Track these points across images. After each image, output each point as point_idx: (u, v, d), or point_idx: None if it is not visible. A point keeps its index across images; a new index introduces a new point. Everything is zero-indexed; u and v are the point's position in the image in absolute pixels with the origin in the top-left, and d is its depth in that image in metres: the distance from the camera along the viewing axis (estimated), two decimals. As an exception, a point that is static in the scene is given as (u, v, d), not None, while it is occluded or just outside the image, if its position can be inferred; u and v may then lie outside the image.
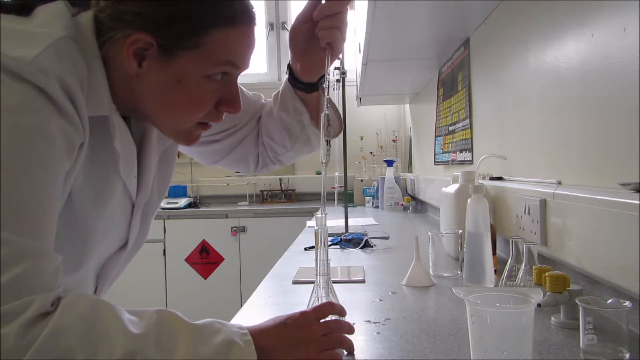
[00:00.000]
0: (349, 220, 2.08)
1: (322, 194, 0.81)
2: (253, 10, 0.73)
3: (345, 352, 0.74)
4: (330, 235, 1.88)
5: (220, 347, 0.61)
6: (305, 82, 0.92)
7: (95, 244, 0.75)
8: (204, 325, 0.64)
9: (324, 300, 0.79)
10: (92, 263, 0.77)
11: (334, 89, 2.14)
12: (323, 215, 0.81)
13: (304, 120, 0.96)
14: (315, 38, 0.85)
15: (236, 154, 1.03)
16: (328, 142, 0.81)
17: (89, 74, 0.66)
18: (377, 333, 0.84)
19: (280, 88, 0.97)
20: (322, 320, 0.73)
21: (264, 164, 1.05)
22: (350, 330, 0.75)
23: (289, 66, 0.94)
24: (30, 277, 0.55)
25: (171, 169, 0.92)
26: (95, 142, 0.69)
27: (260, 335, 0.66)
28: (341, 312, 0.76)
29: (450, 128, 2.14)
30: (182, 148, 0.97)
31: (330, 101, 0.89)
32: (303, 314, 0.71)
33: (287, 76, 0.95)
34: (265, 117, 1.01)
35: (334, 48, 0.85)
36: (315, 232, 0.81)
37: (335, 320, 0.74)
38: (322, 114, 0.82)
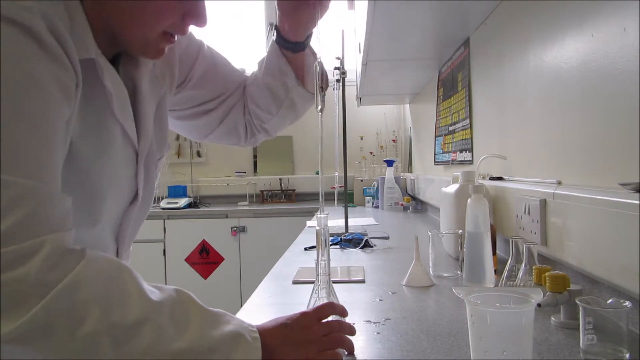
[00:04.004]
0: (349, 220, 2.08)
1: (320, 193, 0.82)
2: None
3: (346, 353, 0.74)
4: (330, 235, 1.88)
5: (228, 337, 0.62)
6: (293, 41, 0.95)
7: (105, 194, 0.74)
8: (217, 313, 0.65)
9: (325, 301, 0.79)
10: (106, 218, 0.77)
11: (333, 89, 2.14)
12: (321, 215, 0.81)
13: (289, 82, 0.98)
14: None
15: (226, 125, 1.04)
16: (322, 89, 0.85)
17: (69, 14, 0.65)
18: (377, 333, 0.84)
19: (266, 52, 0.99)
20: (324, 321, 0.73)
21: (252, 133, 1.07)
22: (352, 331, 0.75)
23: (275, 28, 0.96)
24: (37, 219, 0.54)
25: (166, 122, 0.91)
26: (85, 86, 0.67)
27: (264, 334, 0.66)
28: (342, 312, 0.76)
29: (450, 128, 2.14)
30: (174, 126, 0.98)
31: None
32: (304, 314, 0.71)
33: (273, 38, 0.97)
34: (250, 85, 1.03)
35: (323, 3, 0.89)
36: (317, 232, 0.81)
37: (336, 320, 0.74)
38: (315, 62, 0.86)
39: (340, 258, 1.57)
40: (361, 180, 3.61)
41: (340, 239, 1.80)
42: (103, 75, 0.71)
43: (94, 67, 0.70)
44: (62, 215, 0.57)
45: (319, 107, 0.83)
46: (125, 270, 0.60)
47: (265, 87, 1.00)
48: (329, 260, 0.81)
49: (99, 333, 0.54)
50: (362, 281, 1.22)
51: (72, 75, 0.63)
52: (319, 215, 0.82)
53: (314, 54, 1.00)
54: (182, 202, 3.65)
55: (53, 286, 0.53)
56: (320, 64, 0.85)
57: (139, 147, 0.81)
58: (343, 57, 2.19)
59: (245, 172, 4.09)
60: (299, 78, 0.99)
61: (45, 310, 0.52)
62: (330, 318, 0.74)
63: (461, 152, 1.96)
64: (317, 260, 0.81)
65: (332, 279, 0.82)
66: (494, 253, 1.14)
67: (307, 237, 2.00)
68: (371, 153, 3.92)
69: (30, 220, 0.54)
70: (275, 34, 0.97)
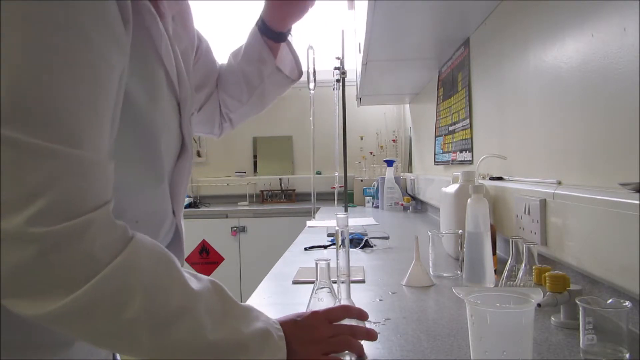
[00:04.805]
0: (349, 220, 2.08)
1: (338, 190, 0.82)
2: None
3: (355, 357, 0.72)
4: (331, 235, 1.88)
5: (259, 334, 0.62)
6: (278, 31, 1.00)
7: (159, 144, 0.71)
8: (247, 307, 0.65)
9: (345, 302, 0.78)
10: (166, 174, 0.74)
11: (333, 89, 2.14)
12: (341, 215, 0.80)
13: (264, 71, 1.02)
14: None
15: (205, 111, 1.05)
16: (314, 72, 0.94)
17: None
18: (377, 333, 0.84)
19: (246, 40, 1.03)
20: (336, 323, 0.71)
21: (221, 121, 1.09)
22: (370, 335, 0.72)
23: (261, 16, 1.01)
24: (82, 193, 0.51)
25: (192, 78, 0.88)
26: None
27: None
28: (359, 315, 0.74)
29: (450, 128, 2.14)
30: None
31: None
32: (314, 313, 0.71)
33: (256, 27, 1.01)
34: (223, 73, 1.06)
35: None
36: (336, 233, 0.81)
37: (347, 325, 0.72)
38: (307, 48, 0.94)
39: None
40: (361, 180, 3.61)
41: (340, 239, 1.80)
42: (152, 17, 0.68)
43: (137, 8, 0.65)
44: (105, 185, 0.55)
45: (312, 86, 0.89)
46: (168, 256, 0.59)
47: (240, 73, 1.03)
48: (348, 261, 0.81)
49: (139, 320, 0.53)
50: (362, 281, 1.22)
51: (117, 20, 0.58)
52: (338, 215, 0.82)
53: (290, 46, 1.05)
54: (182, 202, 3.64)
55: (102, 268, 0.51)
56: (312, 48, 0.90)
57: (180, 95, 0.78)
58: (343, 57, 2.19)
59: (245, 172, 4.09)
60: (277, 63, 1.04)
61: (90, 293, 0.50)
62: (346, 322, 0.72)
63: (461, 152, 1.96)
64: (336, 260, 0.82)
65: (332, 279, 0.82)
66: (494, 253, 1.14)
67: (307, 237, 2.00)
68: (371, 153, 3.92)
69: (74, 195, 0.51)
70: (260, 23, 1.00)
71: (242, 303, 0.65)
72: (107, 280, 0.51)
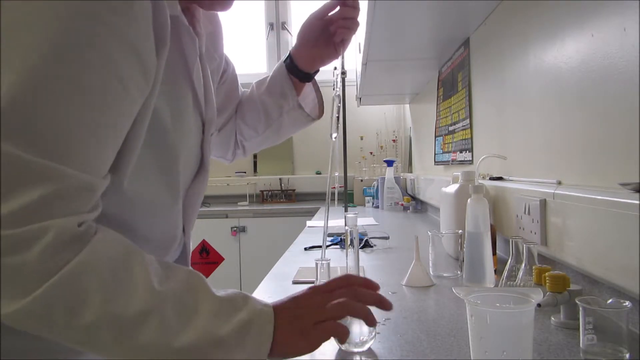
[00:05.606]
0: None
1: (343, 185, 0.82)
2: None
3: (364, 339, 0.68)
4: (330, 235, 1.88)
5: (237, 329, 0.57)
6: (305, 71, 1.01)
7: (178, 166, 0.70)
8: (228, 298, 0.60)
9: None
10: (182, 194, 0.74)
11: (334, 89, 2.15)
12: (350, 214, 0.81)
13: (285, 106, 1.02)
14: (324, 34, 0.97)
15: (222, 135, 1.05)
16: (338, 119, 0.96)
17: None
18: (377, 333, 0.84)
19: (272, 72, 1.03)
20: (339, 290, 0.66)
21: (235, 148, 1.10)
22: (382, 303, 0.66)
23: (290, 55, 1.01)
24: (49, 202, 0.51)
25: (215, 97, 0.88)
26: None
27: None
28: (366, 284, 0.68)
29: (450, 128, 2.14)
30: None
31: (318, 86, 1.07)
32: (311, 287, 0.67)
33: (284, 63, 1.01)
34: (244, 100, 1.06)
35: (344, 44, 0.99)
36: (346, 232, 0.81)
37: (352, 288, 0.66)
38: (334, 94, 0.96)
39: (341, 258, 1.57)
40: (361, 180, 3.61)
41: (341, 238, 1.80)
42: (190, 39, 0.68)
43: (176, 25, 0.65)
44: (84, 202, 0.54)
45: (335, 135, 0.94)
46: (133, 254, 0.56)
47: (260, 104, 1.03)
48: (357, 260, 0.81)
49: (98, 325, 0.52)
50: (362, 281, 1.22)
51: (153, 44, 0.58)
52: (347, 215, 0.82)
53: (315, 85, 1.06)
54: (182, 202, 3.64)
55: (53, 274, 0.50)
56: (339, 97, 0.96)
57: (206, 116, 0.77)
58: (343, 57, 2.19)
59: (245, 172, 4.09)
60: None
61: (42, 299, 0.50)
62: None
63: (461, 152, 1.96)
64: (347, 259, 0.82)
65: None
66: (494, 253, 1.14)
67: (307, 237, 2.00)
68: (371, 153, 3.92)
69: (41, 203, 0.50)
70: (288, 60, 1.01)
71: (223, 292, 0.61)
72: (59, 285, 0.51)
